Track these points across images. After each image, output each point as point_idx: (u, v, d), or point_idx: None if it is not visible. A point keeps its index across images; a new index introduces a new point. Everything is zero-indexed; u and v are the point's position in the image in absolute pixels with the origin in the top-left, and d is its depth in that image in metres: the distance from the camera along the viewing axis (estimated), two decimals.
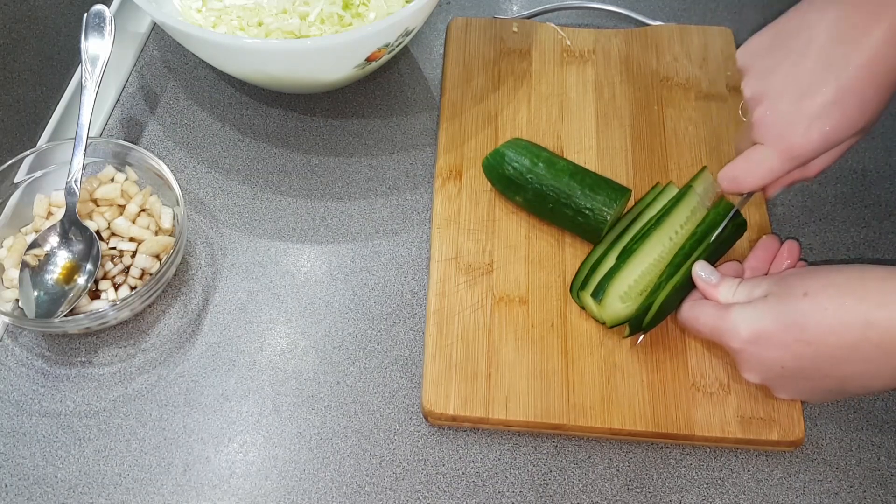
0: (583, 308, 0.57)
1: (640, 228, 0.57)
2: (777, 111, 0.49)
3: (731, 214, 0.55)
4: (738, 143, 0.56)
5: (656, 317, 0.53)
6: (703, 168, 0.59)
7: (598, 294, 0.54)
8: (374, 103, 0.70)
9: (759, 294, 0.50)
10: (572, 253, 0.60)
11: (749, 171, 0.52)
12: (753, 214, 0.61)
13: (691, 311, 0.53)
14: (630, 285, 0.54)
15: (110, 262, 0.58)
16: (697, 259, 0.54)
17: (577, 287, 0.57)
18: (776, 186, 0.55)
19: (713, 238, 0.55)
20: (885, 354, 0.44)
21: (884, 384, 0.46)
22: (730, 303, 0.51)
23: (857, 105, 0.48)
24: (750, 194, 0.55)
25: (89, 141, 0.59)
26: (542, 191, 0.58)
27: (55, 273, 0.56)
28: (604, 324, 0.55)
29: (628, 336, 0.54)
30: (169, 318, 0.59)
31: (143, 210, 0.60)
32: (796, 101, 0.48)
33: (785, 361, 0.47)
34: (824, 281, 0.46)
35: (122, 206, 0.60)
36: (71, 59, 0.68)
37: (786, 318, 0.46)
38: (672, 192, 0.59)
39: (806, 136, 0.48)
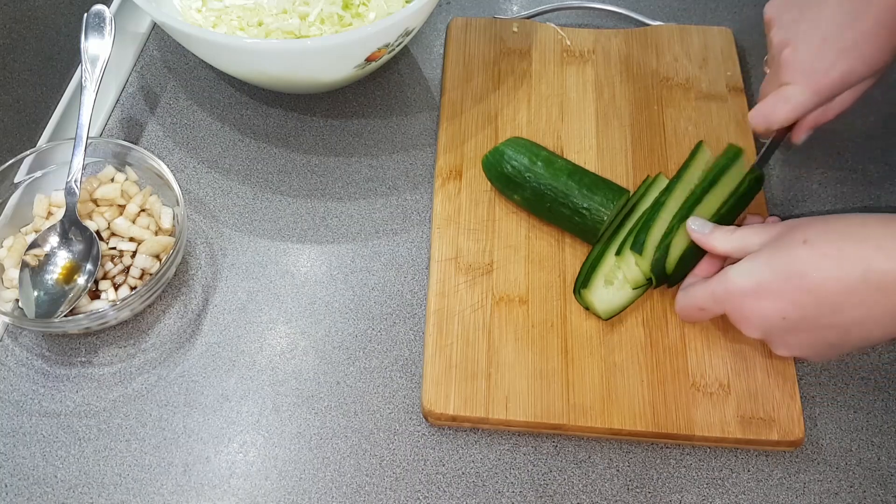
0: (586, 308, 0.57)
1: (648, 207, 0.58)
2: (804, 52, 0.54)
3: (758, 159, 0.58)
4: (764, 90, 0.58)
5: (678, 266, 0.55)
6: (700, 143, 0.61)
7: (637, 246, 0.55)
8: (374, 103, 0.70)
9: (756, 242, 0.50)
10: (572, 253, 0.60)
11: (779, 106, 0.55)
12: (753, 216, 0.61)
13: (685, 295, 0.54)
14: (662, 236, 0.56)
15: (110, 262, 0.58)
16: (708, 203, 0.57)
17: (578, 285, 0.57)
18: (802, 129, 0.58)
19: (719, 180, 0.57)
20: (885, 297, 0.44)
21: (885, 331, 0.46)
22: (726, 252, 0.52)
23: (874, 48, 0.52)
24: (772, 148, 0.58)
25: (89, 141, 0.59)
26: (540, 189, 0.58)
27: (55, 273, 0.56)
28: (644, 285, 0.56)
29: (656, 287, 0.57)
30: (169, 318, 0.59)
31: (143, 210, 0.60)
32: (820, 43, 0.53)
33: (786, 311, 0.47)
34: (823, 227, 0.47)
35: (122, 207, 0.60)
36: (71, 59, 0.68)
37: (785, 266, 0.47)
38: (663, 182, 0.60)
39: (829, 74, 0.53)
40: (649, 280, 0.56)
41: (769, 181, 0.65)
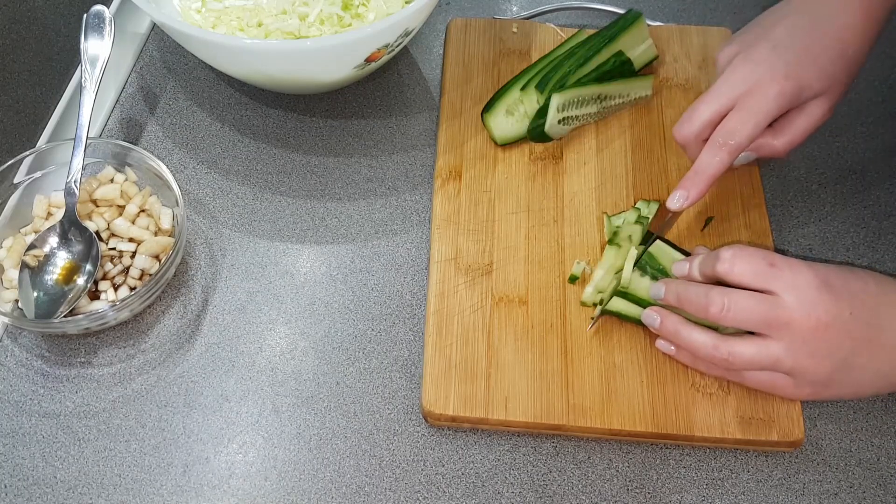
0: (489, 135, 0.64)
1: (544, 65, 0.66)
2: (751, 58, 0.54)
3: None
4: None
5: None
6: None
7: (542, 85, 0.63)
8: (374, 104, 0.70)
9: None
10: (572, 253, 0.60)
11: (745, 118, 0.53)
12: (753, 216, 0.61)
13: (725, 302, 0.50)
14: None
15: (110, 263, 0.58)
16: (596, 59, 0.66)
17: (483, 110, 0.65)
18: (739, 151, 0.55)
19: (617, 38, 0.67)
20: None
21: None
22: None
23: (813, 69, 0.53)
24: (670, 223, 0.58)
25: (89, 141, 0.59)
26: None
27: (55, 274, 0.56)
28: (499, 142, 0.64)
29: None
30: (168, 318, 0.58)
31: (142, 211, 0.60)
32: (770, 51, 0.53)
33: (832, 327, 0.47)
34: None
35: (122, 207, 0.60)
36: (71, 59, 0.68)
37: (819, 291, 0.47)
38: (582, 35, 0.69)
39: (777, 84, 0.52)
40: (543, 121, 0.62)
41: (768, 181, 0.65)
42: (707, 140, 0.54)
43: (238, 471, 0.52)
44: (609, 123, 0.67)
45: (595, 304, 0.57)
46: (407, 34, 0.61)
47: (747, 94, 0.53)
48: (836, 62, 0.53)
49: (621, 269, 0.56)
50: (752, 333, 0.49)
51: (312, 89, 0.68)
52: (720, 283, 0.50)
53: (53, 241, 0.57)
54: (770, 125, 0.54)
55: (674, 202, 0.55)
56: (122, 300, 0.54)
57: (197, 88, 0.71)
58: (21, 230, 0.59)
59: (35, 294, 0.55)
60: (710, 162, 0.53)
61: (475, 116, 0.67)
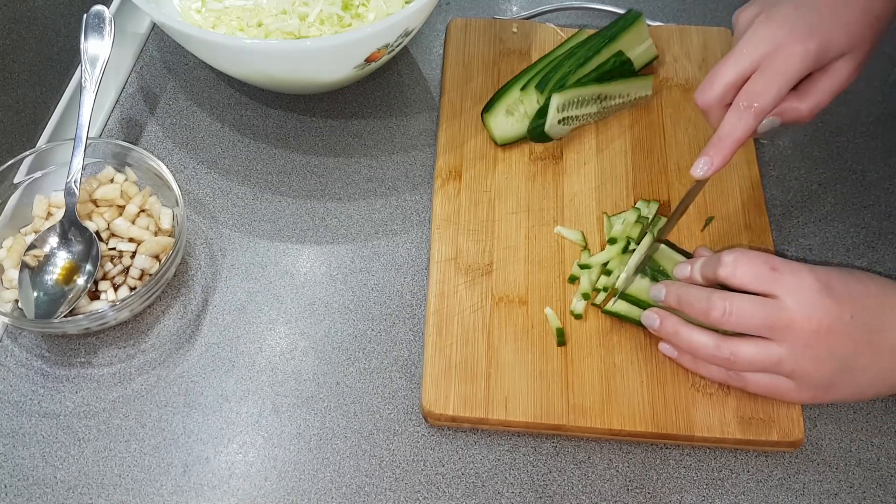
0: (490, 135, 0.64)
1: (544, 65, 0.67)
2: (778, 16, 0.51)
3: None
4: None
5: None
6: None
7: (542, 85, 0.63)
8: (374, 104, 0.70)
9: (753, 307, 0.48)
10: (571, 254, 0.60)
11: (769, 80, 0.51)
12: (753, 216, 0.61)
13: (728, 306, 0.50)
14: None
15: (110, 263, 0.58)
16: (598, 57, 0.66)
17: (483, 110, 0.65)
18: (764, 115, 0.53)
19: (618, 38, 0.67)
20: None
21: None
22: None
23: (837, 27, 0.50)
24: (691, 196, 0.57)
25: (89, 141, 0.59)
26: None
27: (55, 274, 0.56)
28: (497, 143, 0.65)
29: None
30: (168, 318, 0.58)
31: (142, 211, 0.60)
32: (793, 10, 0.51)
33: (834, 331, 0.47)
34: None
35: (122, 207, 0.60)
36: (70, 59, 0.68)
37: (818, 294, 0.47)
38: (582, 35, 0.69)
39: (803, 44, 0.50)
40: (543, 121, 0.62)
41: (768, 182, 0.65)
42: (729, 105, 0.52)
43: (238, 471, 0.52)
44: (609, 123, 0.67)
45: (599, 290, 0.57)
46: (407, 34, 0.61)
47: (771, 54, 0.50)
48: (861, 19, 0.51)
49: (614, 264, 0.57)
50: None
51: (312, 89, 0.68)
52: (721, 285, 0.50)
53: (53, 241, 0.57)
54: (794, 88, 0.52)
55: (697, 170, 0.52)
56: (122, 300, 0.54)
57: (197, 88, 0.71)
58: (21, 230, 0.59)
59: (35, 294, 0.55)
60: (735, 126, 0.51)
61: (475, 116, 0.67)
